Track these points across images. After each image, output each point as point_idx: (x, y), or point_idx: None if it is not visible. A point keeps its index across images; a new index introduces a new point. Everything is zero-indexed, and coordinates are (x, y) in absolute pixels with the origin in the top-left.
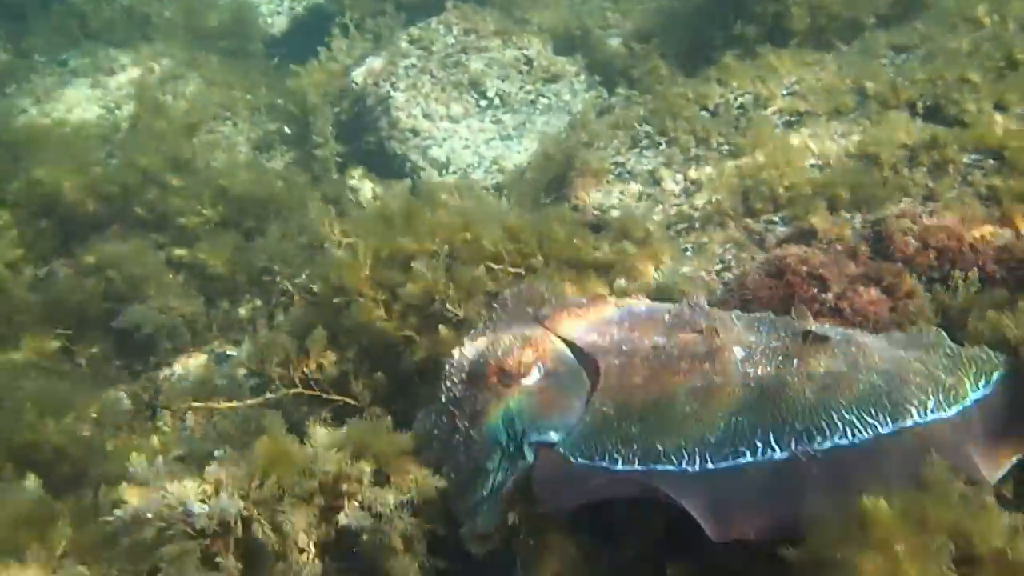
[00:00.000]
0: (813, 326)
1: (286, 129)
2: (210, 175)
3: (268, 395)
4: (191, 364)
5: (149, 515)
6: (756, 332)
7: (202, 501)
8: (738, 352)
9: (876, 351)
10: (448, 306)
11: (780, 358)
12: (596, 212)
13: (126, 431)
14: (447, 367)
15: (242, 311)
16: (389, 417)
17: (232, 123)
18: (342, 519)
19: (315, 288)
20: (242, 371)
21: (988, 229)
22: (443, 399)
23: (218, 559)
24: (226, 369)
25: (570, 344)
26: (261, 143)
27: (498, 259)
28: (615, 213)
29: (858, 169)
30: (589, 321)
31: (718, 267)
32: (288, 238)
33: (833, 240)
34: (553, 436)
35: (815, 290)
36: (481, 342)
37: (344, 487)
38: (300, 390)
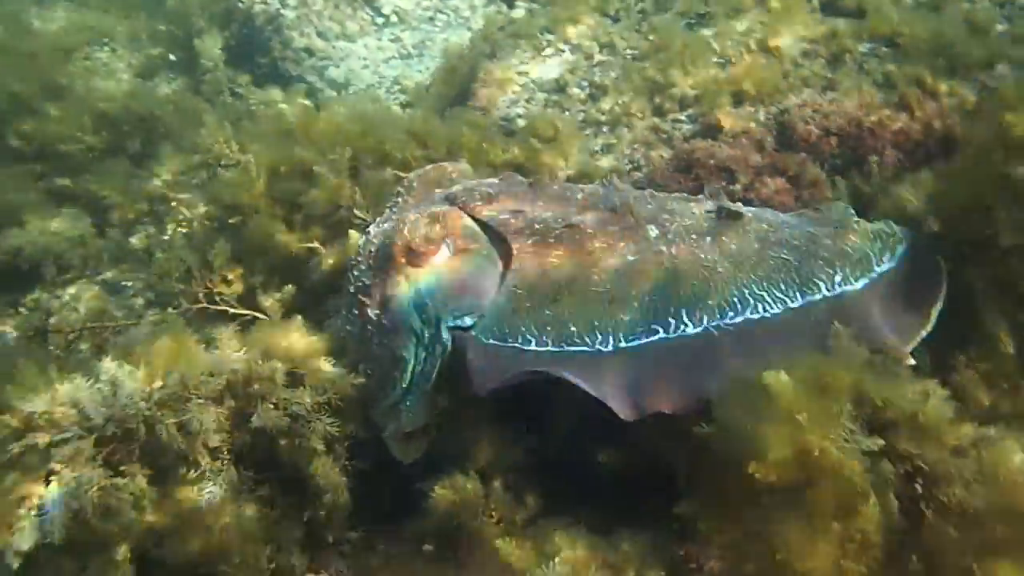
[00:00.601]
0: (725, 203)
1: (171, 56)
2: (90, 100)
3: (170, 310)
4: (84, 296)
5: (40, 420)
6: (670, 211)
7: (99, 403)
8: (652, 230)
9: (786, 227)
10: (356, 212)
11: (694, 236)
12: (503, 121)
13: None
14: (353, 256)
15: (135, 240)
16: (299, 317)
17: (111, 49)
18: (256, 421)
19: (210, 209)
20: (139, 301)
21: (885, 113)
22: (351, 289)
23: (122, 467)
24: (121, 300)
25: (480, 223)
26: (144, 70)
27: (405, 166)
28: (521, 123)
29: (760, 64)
30: (499, 200)
31: (628, 167)
32: (182, 160)
33: (739, 134)
34: (467, 320)
35: (723, 182)
36: (387, 226)
37: (256, 387)
38: (204, 305)
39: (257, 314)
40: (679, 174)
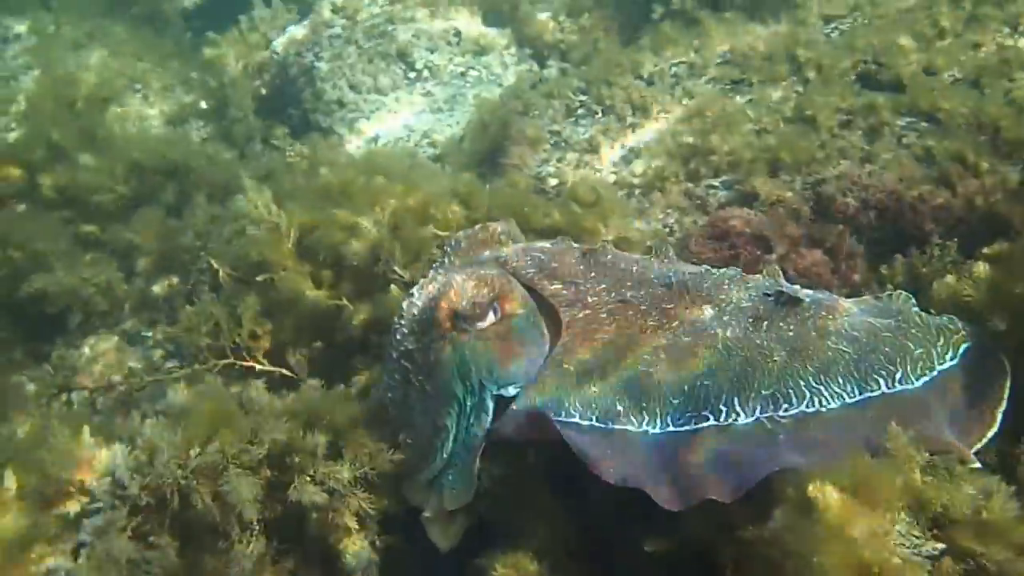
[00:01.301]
0: (785, 286)
1: (202, 103)
2: (124, 149)
3: (196, 366)
4: (101, 347)
5: (72, 488)
6: (726, 290)
7: (134, 470)
8: (707, 311)
9: (846, 315)
10: (395, 268)
11: (750, 319)
12: (535, 179)
13: (35, 416)
14: (396, 319)
15: (157, 289)
16: (343, 385)
17: (143, 96)
18: (292, 495)
19: (238, 269)
20: (159, 352)
21: (926, 188)
22: (394, 355)
23: (151, 537)
24: (141, 351)
25: (532, 292)
26: (175, 117)
27: (446, 225)
28: (552, 181)
29: (796, 133)
30: (551, 267)
31: (660, 227)
32: (215, 215)
33: (775, 203)
34: (511, 390)
35: (759, 252)
36: (432, 288)
37: (296, 459)
38: (232, 360)
39: (285, 371)
40: (713, 241)
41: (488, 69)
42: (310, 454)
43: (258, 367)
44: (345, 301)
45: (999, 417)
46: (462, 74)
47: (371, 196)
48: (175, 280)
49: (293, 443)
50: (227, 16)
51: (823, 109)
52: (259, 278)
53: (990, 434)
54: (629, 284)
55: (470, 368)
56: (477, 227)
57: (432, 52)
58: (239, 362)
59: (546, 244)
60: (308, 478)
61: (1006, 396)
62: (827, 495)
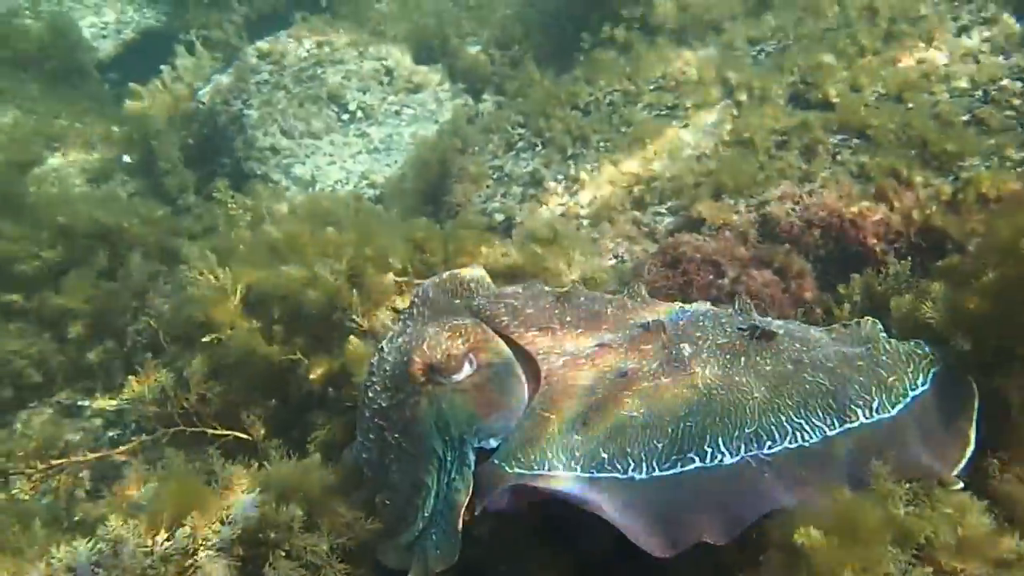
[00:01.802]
0: (758, 320)
1: (126, 158)
2: (48, 212)
3: (144, 437)
4: (35, 421)
5: None
6: (701, 327)
7: (96, 565)
8: (685, 349)
9: (818, 346)
10: (354, 317)
11: (728, 356)
12: (483, 216)
13: None
14: (367, 375)
15: (92, 356)
16: (317, 455)
17: (62, 154)
18: (269, 572)
19: (181, 329)
20: (98, 422)
21: (865, 205)
22: (367, 413)
23: None
24: (78, 423)
25: (507, 340)
26: (99, 174)
27: (405, 273)
28: (499, 217)
29: (736, 156)
30: (525, 314)
31: (612, 261)
32: (153, 276)
33: (721, 227)
34: (492, 442)
35: (711, 276)
36: (402, 341)
37: (272, 535)
38: (181, 427)
39: (239, 434)
40: (666, 268)
41: (423, 106)
42: (286, 528)
43: (210, 432)
44: (300, 355)
45: (973, 436)
46: (397, 112)
47: (321, 248)
48: (111, 345)
49: (267, 518)
50: (146, 67)
51: (759, 131)
52: (205, 339)
53: (968, 453)
54: (606, 327)
55: (449, 422)
56: (445, 275)
57: (364, 92)
58: (189, 428)
59: (518, 289)
60: (283, 553)
61: (975, 416)
62: (813, 539)
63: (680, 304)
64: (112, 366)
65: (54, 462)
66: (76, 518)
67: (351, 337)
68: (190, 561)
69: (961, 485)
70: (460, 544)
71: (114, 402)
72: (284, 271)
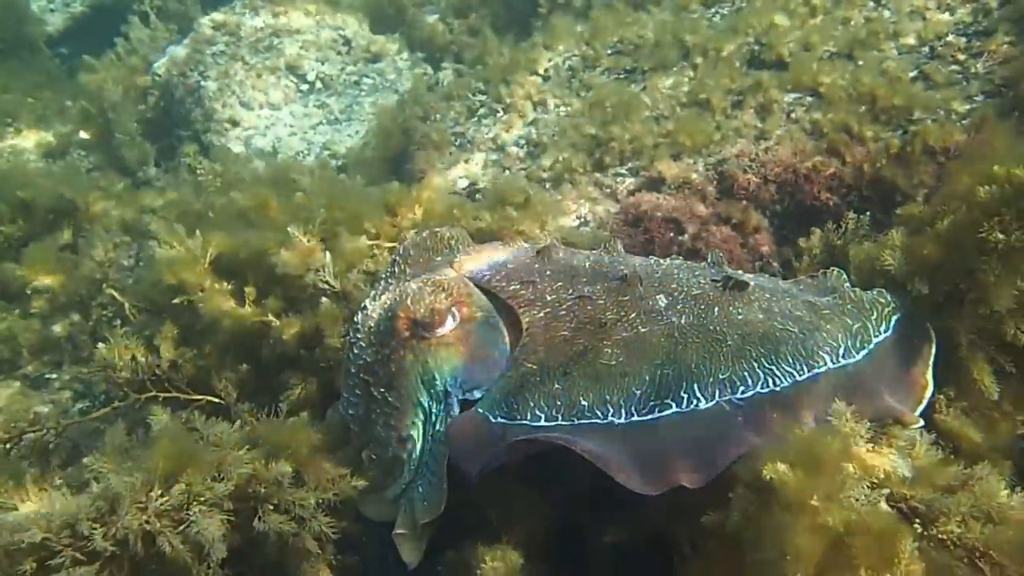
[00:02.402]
0: (730, 272)
1: (83, 133)
2: (5, 187)
3: (117, 404)
4: (3, 394)
5: (24, 543)
6: (676, 279)
7: (94, 520)
8: (661, 300)
9: (787, 296)
10: (327, 279)
11: (702, 306)
12: (454, 184)
13: None
14: (351, 332)
15: (57, 328)
16: (304, 413)
17: (15, 130)
18: (258, 525)
19: (151, 294)
20: (67, 395)
21: (818, 159)
22: (352, 369)
23: None
24: (47, 395)
25: (489, 294)
26: (55, 150)
27: (375, 235)
28: (463, 183)
29: (693, 116)
30: (507, 268)
31: (575, 223)
32: (118, 247)
33: (681, 185)
34: (477, 394)
35: (672, 233)
36: (386, 298)
37: (261, 489)
38: (154, 393)
39: (212, 398)
40: (629, 227)
41: (382, 76)
42: (275, 484)
43: (183, 397)
44: (271, 317)
45: (931, 379)
46: (356, 83)
47: (293, 212)
48: (76, 318)
49: (258, 474)
50: (97, 41)
51: (715, 91)
52: (175, 300)
53: (927, 395)
54: (584, 280)
55: (434, 375)
56: (425, 234)
57: (323, 63)
58: (162, 394)
59: (498, 244)
60: (271, 507)
61: (932, 360)
62: (781, 474)
63: (655, 258)
64: (78, 339)
65: (27, 431)
66: (57, 481)
67: (323, 299)
68: (184, 515)
69: (921, 423)
70: (446, 494)
71: (86, 371)
72: (257, 233)
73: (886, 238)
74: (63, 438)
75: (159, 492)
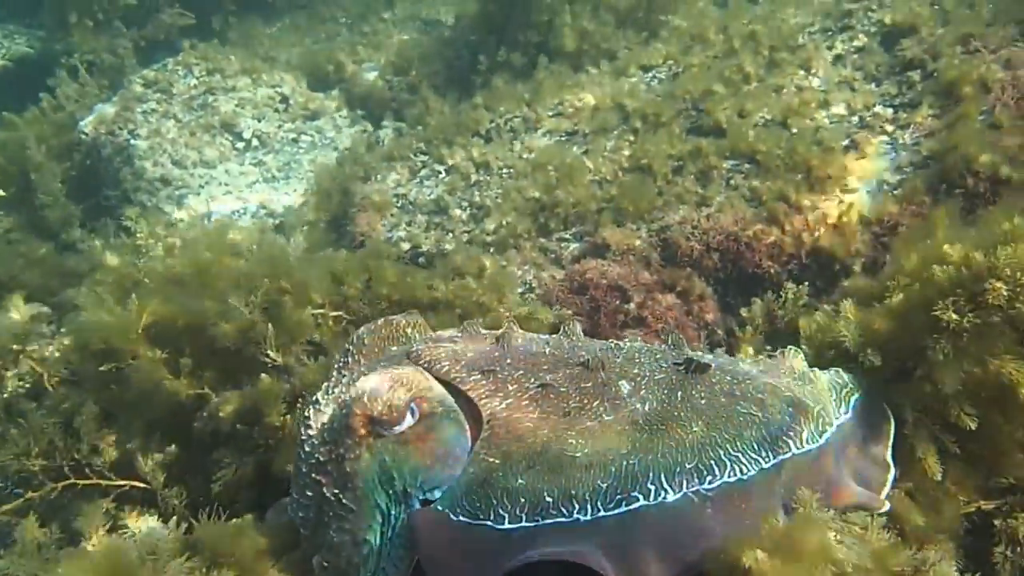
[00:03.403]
0: (691, 353)
1: (0, 192)
2: None
3: (30, 494)
4: None
5: None
6: (637, 363)
7: None
8: (624, 386)
9: (748, 379)
10: (269, 353)
11: (666, 391)
12: (397, 247)
13: None
14: (301, 429)
15: None
16: (249, 516)
17: None
18: None
19: (73, 359)
20: None
21: (758, 227)
22: (303, 469)
23: None
24: None
25: (448, 386)
26: None
27: (320, 305)
28: (405, 246)
29: (635, 181)
30: (466, 358)
31: (521, 289)
32: (38, 318)
33: (625, 251)
34: (437, 493)
35: (617, 301)
36: (339, 392)
37: None
38: (72, 481)
39: (137, 483)
40: (574, 295)
41: (321, 133)
42: None
43: (104, 484)
44: (208, 390)
45: (891, 461)
46: (294, 140)
47: (234, 280)
48: None
49: None
50: (16, 96)
51: (656, 157)
52: (103, 367)
53: (890, 478)
54: (546, 367)
55: (392, 475)
56: (380, 322)
57: (260, 120)
58: (81, 481)
59: (456, 333)
60: None
61: (891, 441)
62: (760, 560)
63: (615, 341)
64: None
65: None
66: None
67: (263, 375)
68: None
69: (888, 507)
70: None
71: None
72: (194, 302)
73: (840, 310)
74: None
75: None
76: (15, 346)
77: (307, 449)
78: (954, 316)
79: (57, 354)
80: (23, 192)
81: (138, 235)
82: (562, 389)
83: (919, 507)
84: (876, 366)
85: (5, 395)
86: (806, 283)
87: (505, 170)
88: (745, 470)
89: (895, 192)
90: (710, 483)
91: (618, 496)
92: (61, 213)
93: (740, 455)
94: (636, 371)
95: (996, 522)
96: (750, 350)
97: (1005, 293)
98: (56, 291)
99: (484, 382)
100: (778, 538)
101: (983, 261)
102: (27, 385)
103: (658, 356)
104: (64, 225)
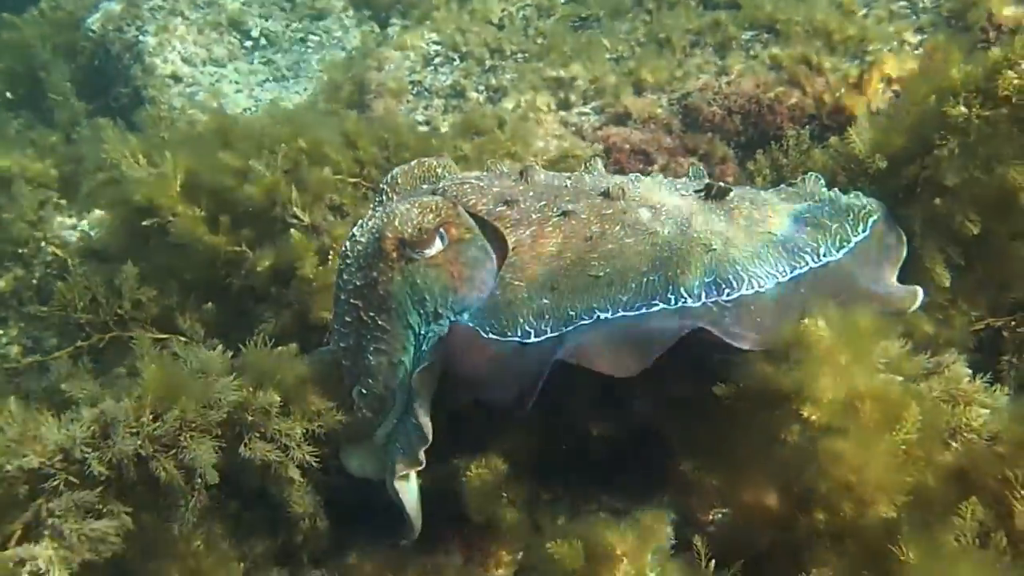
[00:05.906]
0: (713, 181)
1: (8, 94)
2: None
3: (79, 343)
4: None
5: (10, 469)
6: (658, 192)
7: (87, 444)
8: (644, 212)
9: (767, 203)
10: (295, 211)
11: (685, 215)
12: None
13: None
14: (340, 259)
15: (1, 283)
16: (294, 345)
17: None
18: (244, 452)
19: (113, 217)
20: (15, 349)
21: (780, 90)
22: (342, 296)
23: (100, 506)
24: None
25: (475, 217)
26: None
27: (337, 169)
28: (424, 128)
29: (654, 54)
30: (491, 192)
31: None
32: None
33: (647, 119)
34: (466, 316)
35: (641, 164)
36: (374, 223)
37: (249, 418)
38: (117, 333)
39: (179, 337)
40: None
41: (328, 33)
42: (263, 413)
43: (148, 336)
44: (245, 248)
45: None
46: (302, 39)
47: (256, 140)
48: (20, 272)
49: (248, 402)
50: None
51: (674, 31)
52: (146, 223)
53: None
54: (568, 198)
55: (424, 296)
56: (413, 163)
57: (267, 19)
58: (126, 334)
59: (481, 172)
60: (258, 435)
61: (900, 263)
62: (818, 327)
63: (636, 173)
64: (23, 294)
65: None
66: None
67: (293, 231)
68: (176, 441)
69: (918, 303)
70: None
71: (44, 310)
72: (221, 158)
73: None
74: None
75: (151, 418)
76: (36, 233)
77: (344, 277)
78: (963, 110)
79: (78, 239)
80: (31, 95)
81: (161, 106)
82: (583, 216)
83: (929, 318)
84: (882, 168)
85: (34, 280)
86: (807, 127)
87: (520, 55)
88: (763, 283)
89: (917, 51)
90: (728, 295)
91: (639, 305)
92: (70, 112)
93: (758, 270)
94: (656, 199)
95: (1005, 334)
96: None
97: (1016, 82)
98: (68, 177)
99: (509, 212)
100: (837, 317)
101: (999, 55)
102: (53, 272)
103: (679, 186)
104: (73, 124)
